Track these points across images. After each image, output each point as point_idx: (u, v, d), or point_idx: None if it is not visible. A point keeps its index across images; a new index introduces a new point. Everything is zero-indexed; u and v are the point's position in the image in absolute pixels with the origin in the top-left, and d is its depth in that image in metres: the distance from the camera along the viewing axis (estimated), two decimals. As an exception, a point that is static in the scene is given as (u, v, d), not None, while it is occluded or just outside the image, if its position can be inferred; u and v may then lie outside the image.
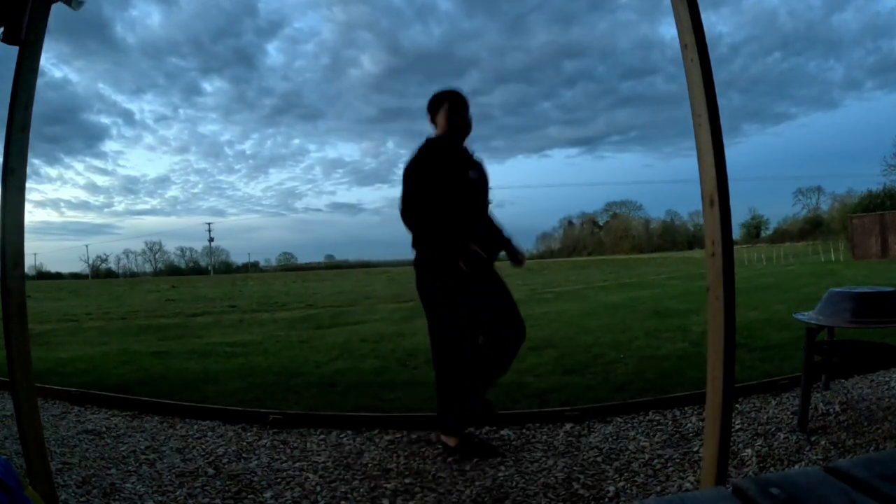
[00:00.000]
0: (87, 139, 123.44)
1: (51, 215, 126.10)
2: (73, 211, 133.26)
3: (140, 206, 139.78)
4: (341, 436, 2.82)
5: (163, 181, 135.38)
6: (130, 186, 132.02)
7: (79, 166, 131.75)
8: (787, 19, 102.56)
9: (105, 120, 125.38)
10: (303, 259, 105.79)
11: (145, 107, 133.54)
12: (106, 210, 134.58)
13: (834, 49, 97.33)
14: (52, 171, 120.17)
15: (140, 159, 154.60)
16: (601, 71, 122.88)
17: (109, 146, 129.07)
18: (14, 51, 2.03)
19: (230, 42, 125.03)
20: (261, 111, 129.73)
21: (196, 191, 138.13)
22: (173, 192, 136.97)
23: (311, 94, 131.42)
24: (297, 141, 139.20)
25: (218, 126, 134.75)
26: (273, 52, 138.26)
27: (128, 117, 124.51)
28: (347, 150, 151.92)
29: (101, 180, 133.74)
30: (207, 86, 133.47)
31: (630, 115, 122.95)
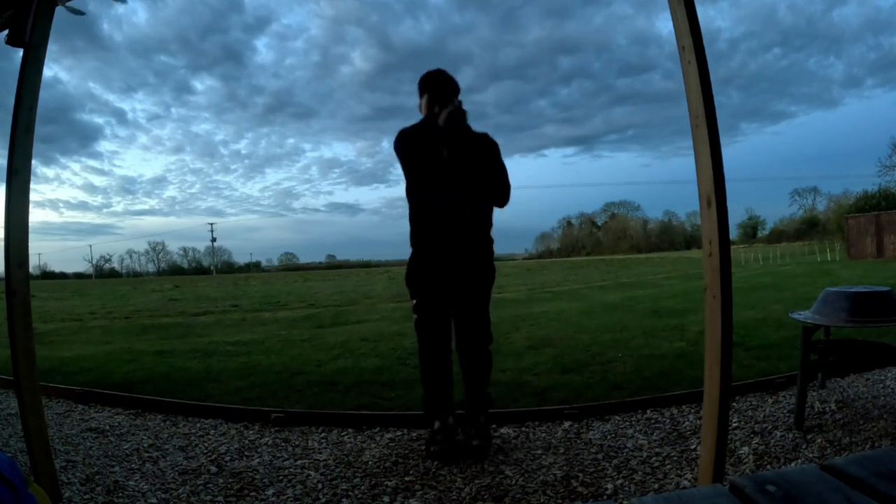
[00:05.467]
0: (82, 139, 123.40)
1: (50, 216, 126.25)
2: (72, 211, 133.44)
3: (138, 207, 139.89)
4: (342, 434, 2.84)
5: (159, 181, 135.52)
6: (128, 187, 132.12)
7: (75, 166, 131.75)
8: (787, 14, 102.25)
9: (98, 119, 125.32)
10: (304, 259, 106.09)
11: (137, 106, 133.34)
12: (105, 210, 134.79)
13: (834, 45, 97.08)
14: (49, 172, 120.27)
15: (136, 159, 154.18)
16: (597, 67, 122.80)
17: (104, 146, 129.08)
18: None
19: (217, 39, 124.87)
20: (253, 110, 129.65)
21: (193, 191, 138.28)
22: (171, 192, 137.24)
23: (303, 93, 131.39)
24: (291, 140, 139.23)
25: (211, 125, 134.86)
26: (262, 49, 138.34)
27: (120, 117, 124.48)
28: (343, 150, 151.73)
29: (98, 181, 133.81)
30: (198, 84, 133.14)
31: (627, 113, 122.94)
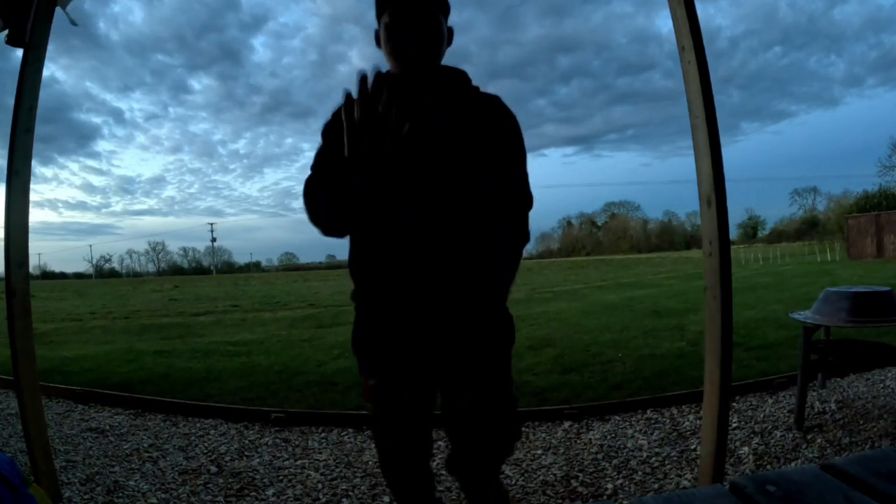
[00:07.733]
0: (80, 139, 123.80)
1: (49, 215, 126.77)
2: (70, 211, 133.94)
3: (137, 206, 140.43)
4: (342, 434, 2.84)
5: (158, 181, 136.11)
6: (126, 186, 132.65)
7: (73, 166, 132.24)
8: (788, 12, 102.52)
9: (95, 119, 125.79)
10: (304, 259, 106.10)
11: (134, 105, 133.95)
12: (104, 210, 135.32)
13: (835, 44, 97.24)
14: (48, 172, 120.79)
15: (134, 159, 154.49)
16: (596, 66, 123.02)
17: (102, 146, 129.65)
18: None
19: (214, 37, 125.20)
20: (251, 109, 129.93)
21: (192, 191, 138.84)
22: (169, 191, 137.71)
23: (301, 92, 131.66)
24: (289, 140, 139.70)
25: (209, 125, 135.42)
26: (259, 48, 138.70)
27: (118, 116, 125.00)
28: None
29: (96, 180, 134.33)
30: (195, 83, 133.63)
31: (627, 112, 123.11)
